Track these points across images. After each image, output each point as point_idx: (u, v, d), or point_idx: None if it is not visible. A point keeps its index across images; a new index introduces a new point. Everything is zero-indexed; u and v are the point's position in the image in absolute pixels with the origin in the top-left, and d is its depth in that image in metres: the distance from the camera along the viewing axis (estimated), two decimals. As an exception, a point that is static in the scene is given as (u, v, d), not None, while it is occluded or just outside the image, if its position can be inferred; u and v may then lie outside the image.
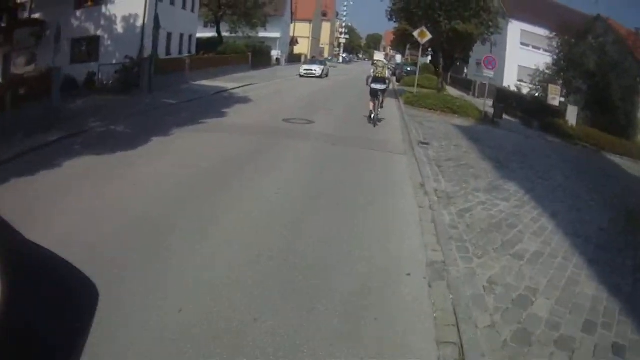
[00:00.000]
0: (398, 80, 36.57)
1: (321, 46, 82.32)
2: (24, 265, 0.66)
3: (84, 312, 0.73)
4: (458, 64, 36.82)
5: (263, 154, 9.03)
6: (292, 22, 58.11)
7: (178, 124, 11.25)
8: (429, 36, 19.49)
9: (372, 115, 13.20)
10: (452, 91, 27.84)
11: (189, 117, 12.45)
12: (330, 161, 9.02)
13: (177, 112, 13.55)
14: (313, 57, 51.94)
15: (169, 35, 25.41)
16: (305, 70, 33.41)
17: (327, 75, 35.05)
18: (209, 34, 37.32)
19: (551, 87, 20.74)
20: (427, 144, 10.86)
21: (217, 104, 15.75)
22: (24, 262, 0.68)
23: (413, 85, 28.71)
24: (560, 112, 20.21)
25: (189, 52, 29.24)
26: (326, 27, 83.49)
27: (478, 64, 43.06)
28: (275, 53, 46.32)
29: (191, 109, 14.39)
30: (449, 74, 34.07)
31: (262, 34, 43.23)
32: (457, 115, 17.81)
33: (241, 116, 13.38)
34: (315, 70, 33.17)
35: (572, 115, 19.96)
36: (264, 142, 10.08)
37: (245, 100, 17.33)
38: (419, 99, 19.36)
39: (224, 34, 37.97)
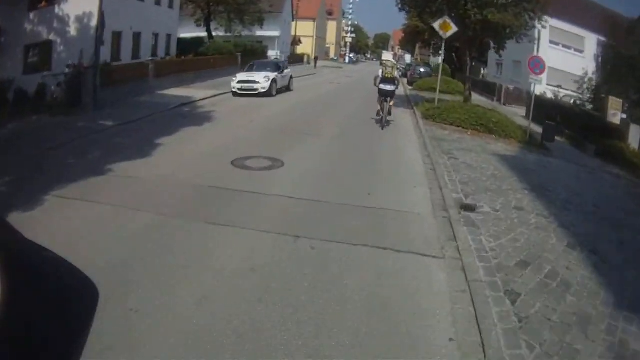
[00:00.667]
0: (410, 84, 32.13)
1: (327, 46, 78.35)
2: (24, 265, 0.65)
3: (84, 312, 0.71)
4: (474, 64, 32.26)
5: (131, 293, 3.90)
6: (293, 21, 53.88)
7: (72, 176, 6.98)
8: (453, 28, 15.17)
9: (381, 118, 13.13)
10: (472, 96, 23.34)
11: (101, 157, 8.24)
12: (269, 330, 3.55)
13: (98, 145, 9.36)
14: (267, 58, 35.09)
15: (137, 35, 21.29)
16: (239, 83, 18.51)
17: (288, 89, 20.89)
18: (202, 33, 33.17)
19: (612, 99, 16.13)
20: (472, 208, 6.56)
21: (164, 125, 11.56)
22: (24, 262, 0.67)
23: (428, 90, 24.32)
24: (620, 131, 15.71)
25: (167, 54, 25.19)
26: (332, 26, 79.53)
27: (499, 65, 38.70)
28: (273, 53, 41.95)
29: (121, 137, 10.19)
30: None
31: (259, 33, 39.23)
32: (494, 136, 13.45)
33: (177, 153, 9.02)
34: (258, 83, 18.33)
35: (635, 138, 15.51)
36: (163, 235, 5.13)
37: (205, 118, 13.09)
38: (442, 112, 14.88)
39: (219, 33, 33.89)
